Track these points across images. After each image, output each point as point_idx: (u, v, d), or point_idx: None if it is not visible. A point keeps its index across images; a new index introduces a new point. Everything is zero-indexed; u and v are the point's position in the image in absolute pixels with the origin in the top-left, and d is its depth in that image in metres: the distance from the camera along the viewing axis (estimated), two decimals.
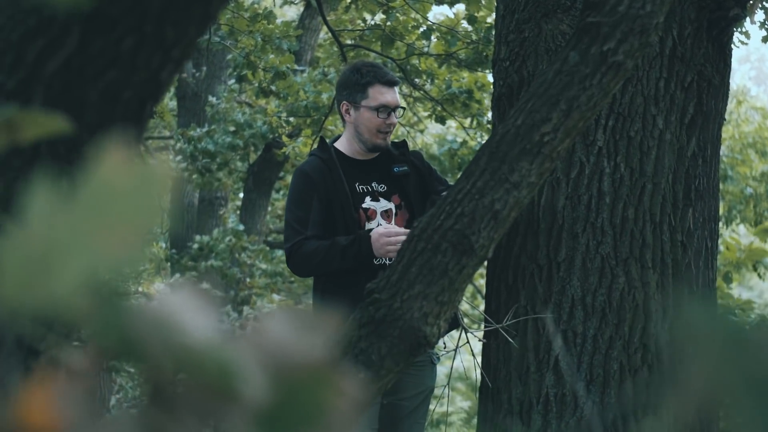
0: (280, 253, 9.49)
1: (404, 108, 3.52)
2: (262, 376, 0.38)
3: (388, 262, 3.22)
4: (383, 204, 3.35)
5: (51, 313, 0.34)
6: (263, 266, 9.01)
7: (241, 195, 11.08)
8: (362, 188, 3.34)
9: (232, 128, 8.56)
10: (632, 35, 1.76)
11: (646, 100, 3.10)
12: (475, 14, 6.70)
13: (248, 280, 8.91)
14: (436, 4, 6.94)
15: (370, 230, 3.21)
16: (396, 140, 3.54)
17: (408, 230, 3.12)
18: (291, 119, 7.88)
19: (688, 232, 3.07)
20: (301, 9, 10.23)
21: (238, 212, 10.56)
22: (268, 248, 9.56)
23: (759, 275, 7.98)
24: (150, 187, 0.37)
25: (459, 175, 2.27)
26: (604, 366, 2.91)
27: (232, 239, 8.66)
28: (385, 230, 3.16)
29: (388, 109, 3.32)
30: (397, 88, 3.40)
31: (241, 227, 8.83)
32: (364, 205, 3.32)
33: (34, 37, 1.09)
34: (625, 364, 2.92)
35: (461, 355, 3.08)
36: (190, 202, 10.66)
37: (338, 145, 3.42)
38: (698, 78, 3.15)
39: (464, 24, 7.20)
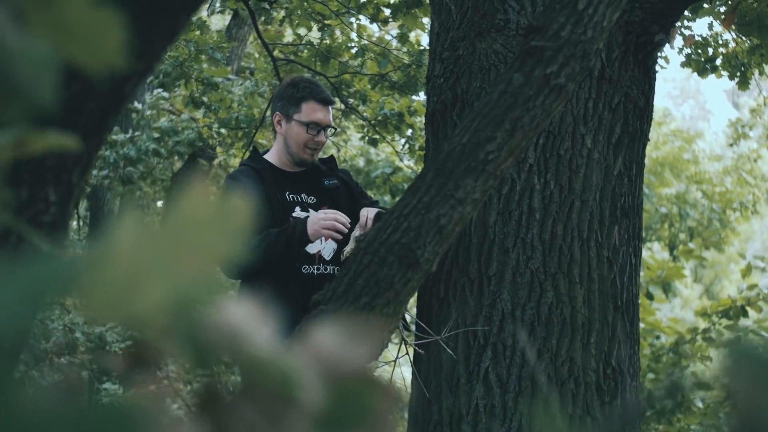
0: None
1: (335, 129, 3.53)
2: (317, 383, 0.41)
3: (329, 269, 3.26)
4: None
5: (136, 330, 0.37)
6: None
7: (159, 204, 10.93)
8: (293, 197, 3.36)
9: (156, 135, 8.45)
10: (574, 59, 1.83)
11: (576, 119, 3.19)
12: (408, 32, 6.75)
13: None
14: (370, 22, 6.98)
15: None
16: (323, 156, 3.57)
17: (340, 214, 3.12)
18: (222, 130, 7.85)
19: (614, 249, 3.17)
20: (228, 18, 10.17)
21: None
22: None
23: (666, 296, 8.32)
24: (228, 219, 0.40)
25: (397, 198, 2.28)
26: (533, 378, 2.98)
27: None
28: (324, 212, 3.12)
29: (319, 126, 3.35)
30: (331, 109, 3.44)
31: None
32: (294, 214, 3.34)
33: None
34: (553, 376, 2.99)
35: (386, 366, 3.12)
36: (110, 210, 10.47)
37: (268, 156, 3.46)
38: (625, 99, 3.26)
39: (394, 42, 7.25)
